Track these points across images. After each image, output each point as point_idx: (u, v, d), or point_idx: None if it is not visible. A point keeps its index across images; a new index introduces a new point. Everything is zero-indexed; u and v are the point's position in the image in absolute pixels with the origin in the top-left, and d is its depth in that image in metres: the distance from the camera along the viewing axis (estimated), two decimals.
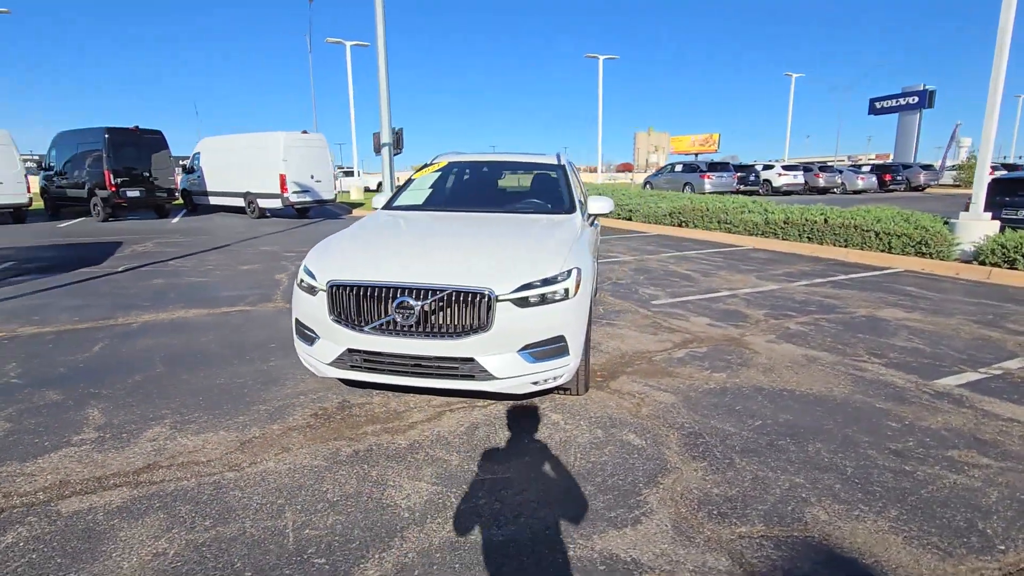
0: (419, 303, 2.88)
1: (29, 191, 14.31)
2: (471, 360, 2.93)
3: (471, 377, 2.95)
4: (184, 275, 7.67)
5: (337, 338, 3.05)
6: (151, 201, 15.21)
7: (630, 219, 14.48)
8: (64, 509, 2.35)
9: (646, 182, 26.41)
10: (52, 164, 15.69)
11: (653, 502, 2.43)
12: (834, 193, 27.25)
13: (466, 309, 2.89)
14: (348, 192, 27.88)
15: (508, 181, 4.98)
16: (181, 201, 18.53)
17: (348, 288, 2.98)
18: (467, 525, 2.25)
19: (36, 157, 17.72)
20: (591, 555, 2.09)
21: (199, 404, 3.41)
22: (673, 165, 25.95)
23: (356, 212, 19.05)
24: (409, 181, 4.92)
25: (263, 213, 16.09)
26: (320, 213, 18.47)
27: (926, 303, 6.14)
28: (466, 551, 2.10)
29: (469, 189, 4.96)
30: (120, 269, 8.08)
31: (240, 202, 16.40)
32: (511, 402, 3.45)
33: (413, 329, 2.91)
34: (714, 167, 23.69)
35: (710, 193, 20.83)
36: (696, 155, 48.35)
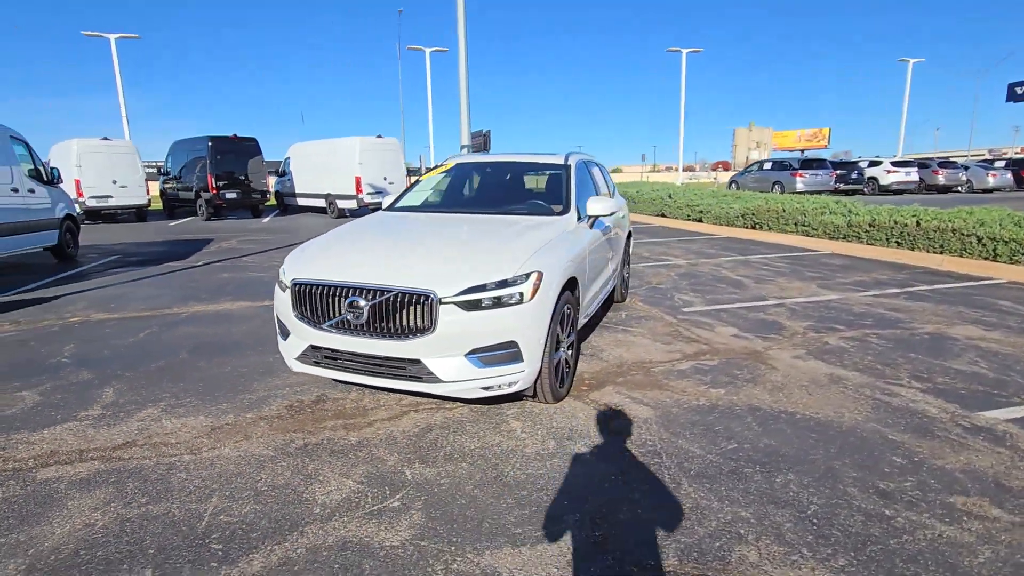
0: (367, 303, 2.92)
1: (148, 193, 16.38)
2: (418, 362, 2.93)
3: (419, 379, 2.95)
4: (249, 270, 8.37)
5: (302, 334, 3.18)
6: (246, 202, 16.76)
7: (700, 220, 13.73)
8: (40, 476, 2.66)
9: (731, 181, 24.84)
10: (168, 169, 17.78)
11: (569, 522, 2.29)
12: (957, 192, 23.99)
13: (411, 310, 2.89)
14: None
15: (511, 182, 4.92)
16: (274, 202, 20.23)
17: (308, 286, 3.10)
18: (365, 529, 2.25)
19: (157, 164, 20.27)
20: (472, 571, 2.01)
21: (197, 390, 3.70)
22: (762, 163, 24.15)
23: None
24: (416, 182, 5.01)
25: (342, 213, 17.13)
26: None
27: (1016, 321, 5.25)
28: (352, 553, 2.10)
29: (469, 191, 4.97)
30: (199, 264, 8.98)
31: (322, 203, 17.60)
32: (480, 405, 3.41)
33: (364, 328, 2.96)
34: (808, 164, 21.70)
35: (801, 192, 19.21)
36: (802, 151, 44.88)
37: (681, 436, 3.03)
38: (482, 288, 2.91)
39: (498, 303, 2.94)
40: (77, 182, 15.00)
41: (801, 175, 20.89)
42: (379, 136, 16.69)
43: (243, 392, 3.65)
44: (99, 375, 3.99)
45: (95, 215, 15.69)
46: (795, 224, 11.13)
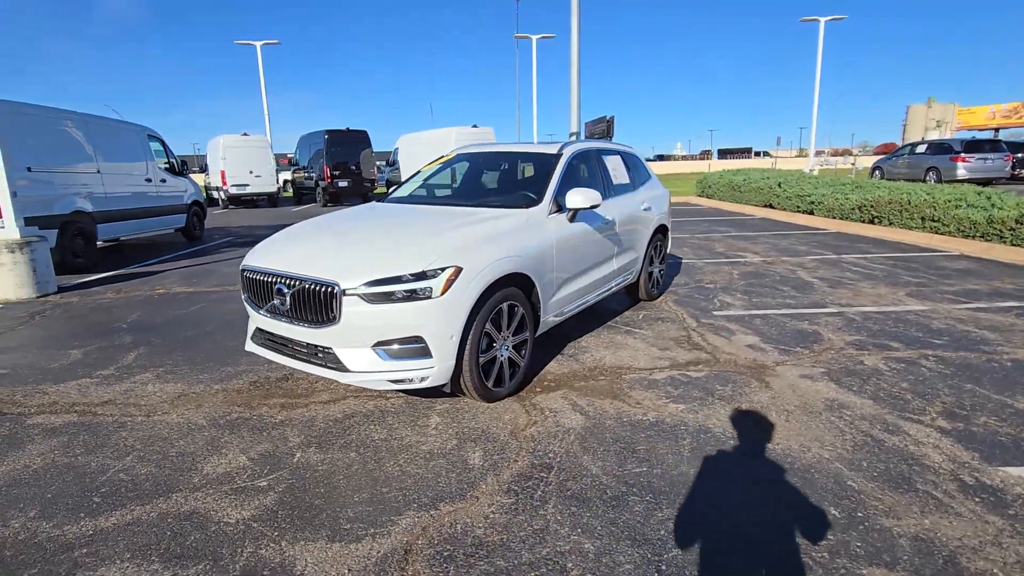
0: (289, 291, 3.06)
1: (278, 182, 18.57)
2: (330, 350, 3.01)
3: (331, 367, 3.03)
4: None
5: (252, 317, 3.44)
6: (357, 190, 18.25)
7: (811, 213, 12.19)
8: (29, 422, 3.20)
9: (875, 168, 21.48)
10: (296, 160, 19.95)
11: (401, 525, 2.22)
12: None
13: (320, 300, 2.97)
14: None
15: (502, 173, 4.75)
16: (385, 190, 21.77)
17: (251, 272, 3.32)
18: (219, 503, 2.39)
19: (289, 156, 22.99)
20: (273, 558, 2.04)
21: (195, 360, 4.17)
22: (915, 145, 20.48)
23: None
24: (418, 172, 5.07)
25: None
26: None
27: None
28: (190, 524, 2.25)
29: (454, 181, 4.90)
30: None
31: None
32: (416, 398, 3.42)
33: (288, 315, 3.11)
34: (975, 146, 17.93)
35: (964, 181, 16.10)
36: (996, 130, 37.69)
37: (591, 452, 2.77)
38: (387, 281, 2.90)
39: (406, 297, 2.91)
40: (222, 172, 17.44)
41: (964, 159, 17.41)
42: (474, 126, 17.09)
43: (228, 365, 4.04)
44: (136, 341, 4.67)
45: (236, 200, 18.19)
46: (922, 218, 9.43)
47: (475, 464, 2.68)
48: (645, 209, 5.24)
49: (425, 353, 2.96)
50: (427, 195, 4.75)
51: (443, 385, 3.09)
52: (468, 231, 3.36)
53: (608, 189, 4.77)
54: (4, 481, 2.59)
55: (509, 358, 3.42)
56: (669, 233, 5.93)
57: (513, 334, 3.44)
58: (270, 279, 3.18)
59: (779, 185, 13.80)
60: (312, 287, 2.98)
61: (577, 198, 3.91)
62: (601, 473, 2.58)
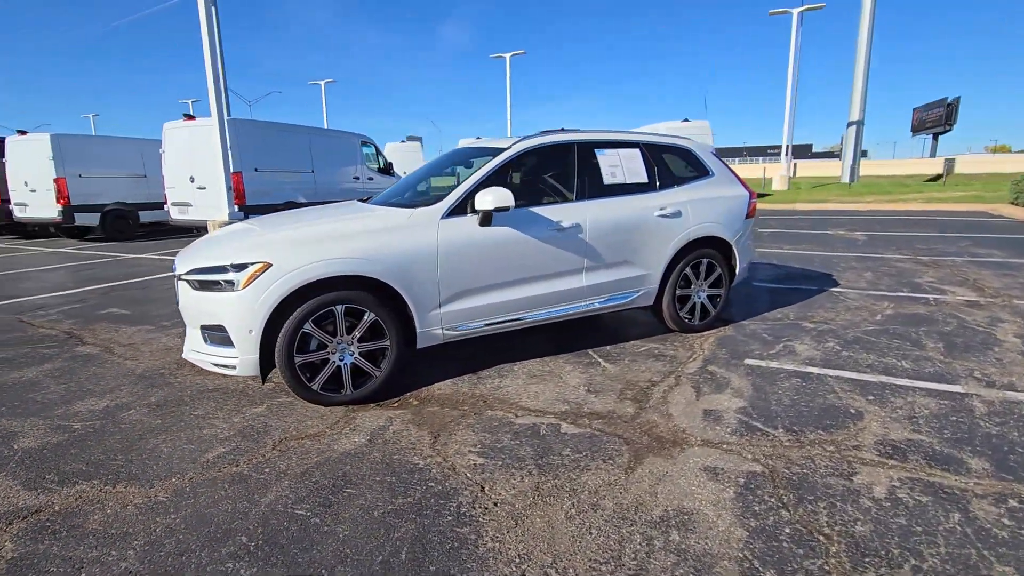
0: None
1: None
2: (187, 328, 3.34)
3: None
4: None
5: None
6: None
7: None
8: (52, 352, 4.41)
9: None
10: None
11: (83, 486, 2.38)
12: None
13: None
14: (770, 181, 24.81)
15: (457, 171, 4.25)
16: None
17: None
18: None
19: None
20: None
21: None
22: None
23: None
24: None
25: None
26: None
27: None
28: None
29: (420, 181, 4.53)
30: None
31: None
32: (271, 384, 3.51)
33: None
34: None
35: None
36: None
37: (305, 479, 2.44)
38: (205, 271, 3.05)
39: (215, 286, 3.02)
40: None
41: None
42: (685, 120, 15.58)
43: None
44: None
45: None
46: None
47: (217, 452, 2.67)
48: (664, 215, 4.14)
49: (229, 343, 3.04)
50: (390, 195, 4.57)
51: (248, 376, 3.11)
52: (312, 229, 3.26)
53: (585, 190, 3.94)
54: None
55: (352, 364, 3.22)
56: (735, 250, 4.53)
57: (361, 340, 3.22)
58: None
59: None
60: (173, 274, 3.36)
61: (486, 198, 3.38)
62: (284, 507, 2.27)
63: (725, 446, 2.69)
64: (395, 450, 2.71)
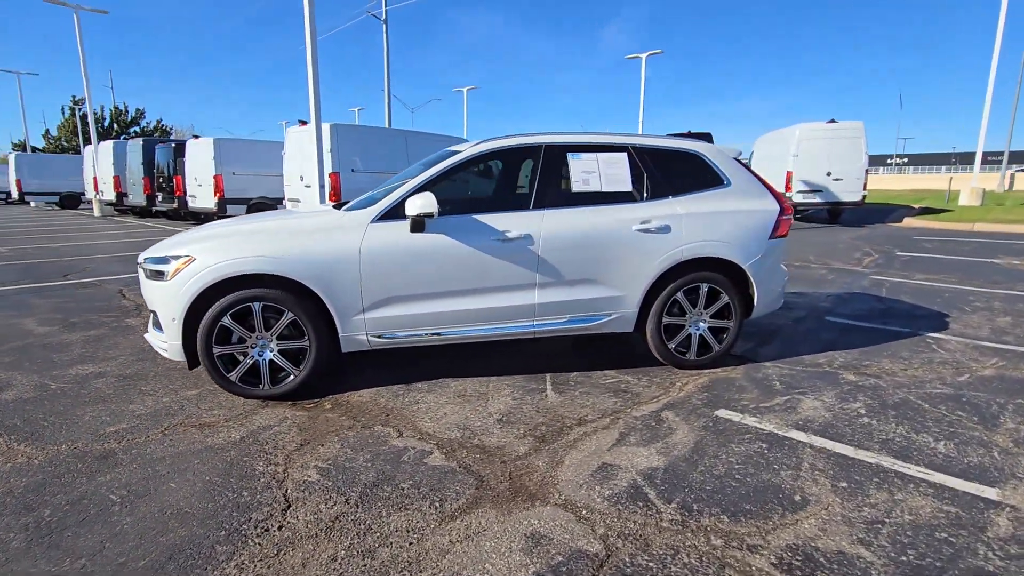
0: None
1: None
2: None
3: None
4: None
5: None
6: None
7: None
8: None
9: None
10: None
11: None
12: None
13: None
14: (957, 193, 20.17)
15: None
16: None
17: None
18: None
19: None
20: None
21: None
22: None
23: (913, 222, 14.32)
24: None
25: None
26: (864, 218, 15.23)
27: None
28: None
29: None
30: None
31: None
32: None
33: None
34: None
35: None
36: None
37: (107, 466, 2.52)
38: (151, 260, 3.31)
39: (156, 276, 3.27)
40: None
41: None
42: (831, 120, 13.44)
43: None
44: None
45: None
46: None
47: (116, 428, 2.89)
48: (645, 230, 3.57)
49: (159, 327, 3.28)
50: (368, 198, 4.47)
51: (174, 360, 3.30)
52: (248, 227, 3.37)
53: (546, 198, 3.55)
54: None
55: (270, 360, 3.28)
56: (750, 276, 3.75)
57: (280, 339, 3.27)
58: None
59: None
60: None
61: (415, 203, 3.23)
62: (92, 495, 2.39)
63: (584, 512, 2.22)
64: (253, 451, 2.69)
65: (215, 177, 12.93)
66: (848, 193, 13.41)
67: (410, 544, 2.03)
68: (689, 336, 3.79)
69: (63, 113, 39.15)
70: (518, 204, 3.55)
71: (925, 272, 7.60)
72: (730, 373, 3.77)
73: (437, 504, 2.27)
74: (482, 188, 3.86)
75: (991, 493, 2.35)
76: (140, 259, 3.47)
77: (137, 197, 16.44)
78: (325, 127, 9.46)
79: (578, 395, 3.40)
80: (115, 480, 2.43)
